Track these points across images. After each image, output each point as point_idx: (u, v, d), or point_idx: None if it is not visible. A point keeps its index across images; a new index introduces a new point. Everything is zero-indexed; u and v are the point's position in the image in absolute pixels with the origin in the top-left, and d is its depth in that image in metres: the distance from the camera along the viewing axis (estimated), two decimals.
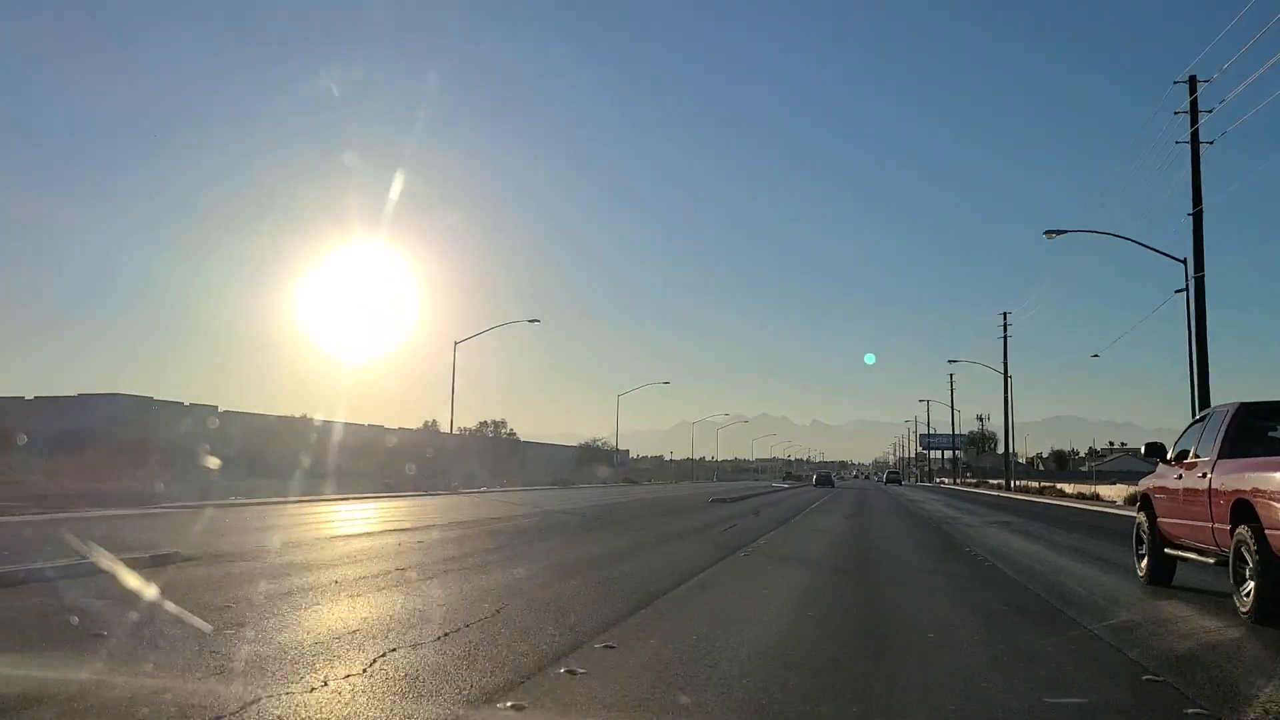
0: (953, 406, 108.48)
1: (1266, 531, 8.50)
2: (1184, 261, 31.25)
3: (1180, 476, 10.86)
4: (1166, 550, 11.46)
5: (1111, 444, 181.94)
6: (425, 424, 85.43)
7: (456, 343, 57.47)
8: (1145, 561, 11.92)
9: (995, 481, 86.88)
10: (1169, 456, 11.50)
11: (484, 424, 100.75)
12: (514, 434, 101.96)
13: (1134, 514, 12.64)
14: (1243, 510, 9.01)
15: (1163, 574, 11.67)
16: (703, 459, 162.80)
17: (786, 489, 78.86)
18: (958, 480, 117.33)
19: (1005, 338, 73.89)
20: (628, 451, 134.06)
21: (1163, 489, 11.52)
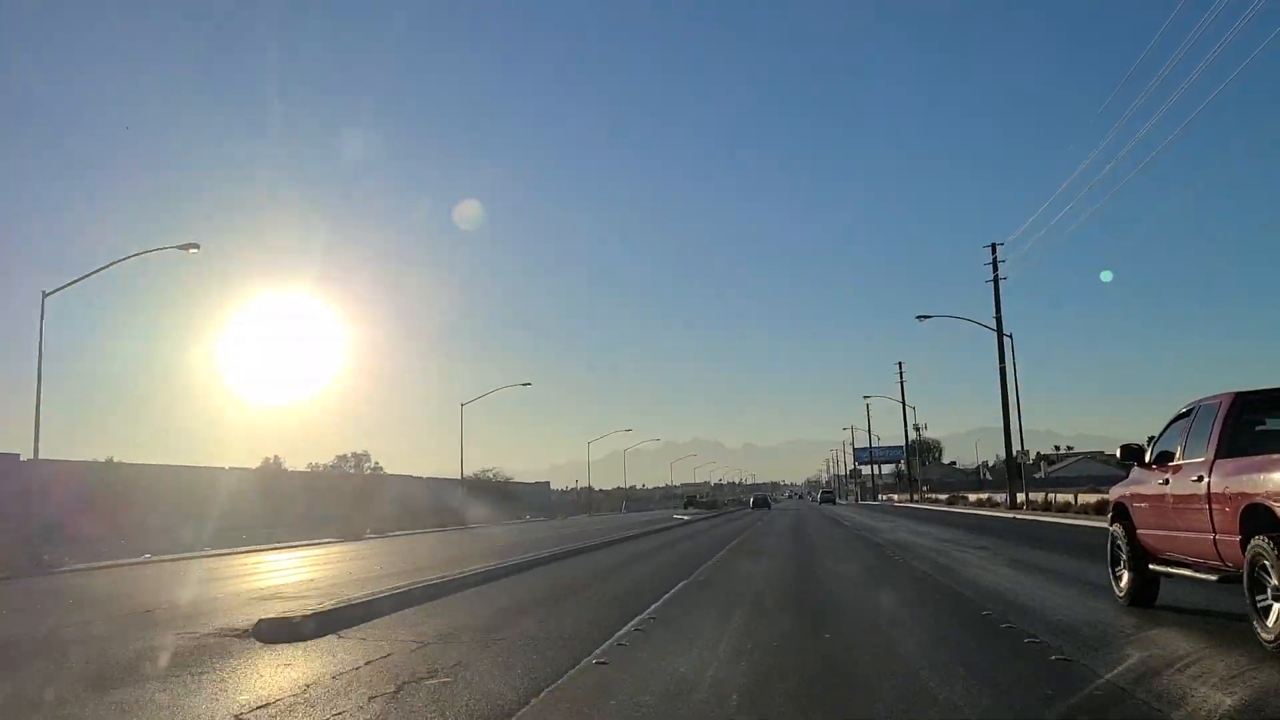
0: (904, 402, 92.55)
1: None
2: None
3: (1166, 482, 9.39)
4: (1151, 567, 9.99)
5: (1057, 448, 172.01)
6: (266, 460, 69.37)
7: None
8: (1125, 580, 10.44)
9: (977, 497, 62.10)
10: (1148, 459, 10.06)
11: (342, 458, 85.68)
12: (379, 468, 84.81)
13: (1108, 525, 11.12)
14: (1258, 517, 7.53)
15: (1147, 594, 10.20)
16: (633, 488, 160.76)
17: (683, 524, 48.07)
18: (916, 497, 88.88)
19: (995, 279, 70.82)
20: (548, 483, 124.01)
21: (1143, 496, 10.06)
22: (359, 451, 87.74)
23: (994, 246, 51.01)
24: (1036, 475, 72.22)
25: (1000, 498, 52.32)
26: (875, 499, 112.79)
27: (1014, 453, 48.63)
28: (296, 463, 72.22)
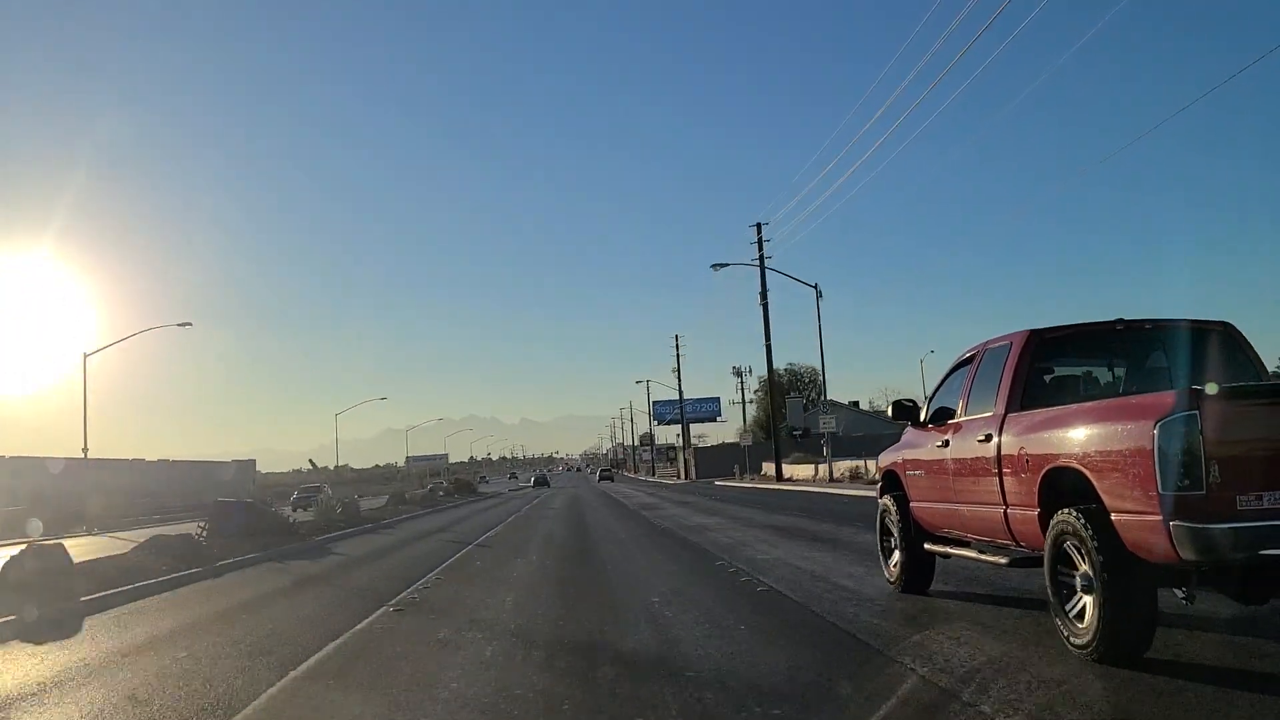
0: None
1: (1114, 517, 5.35)
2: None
3: (945, 444, 7.74)
4: (926, 546, 8.39)
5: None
6: None
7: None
8: (896, 562, 8.82)
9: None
10: (923, 418, 8.41)
11: None
12: None
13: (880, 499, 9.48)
14: (1063, 485, 5.88)
15: (920, 578, 8.61)
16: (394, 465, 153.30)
17: None
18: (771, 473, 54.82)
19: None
20: (253, 461, 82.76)
21: (918, 463, 8.42)
22: None
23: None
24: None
25: (806, 471, 47.65)
26: (687, 475, 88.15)
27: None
28: None
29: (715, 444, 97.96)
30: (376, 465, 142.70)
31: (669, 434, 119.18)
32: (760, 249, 50.51)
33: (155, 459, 65.28)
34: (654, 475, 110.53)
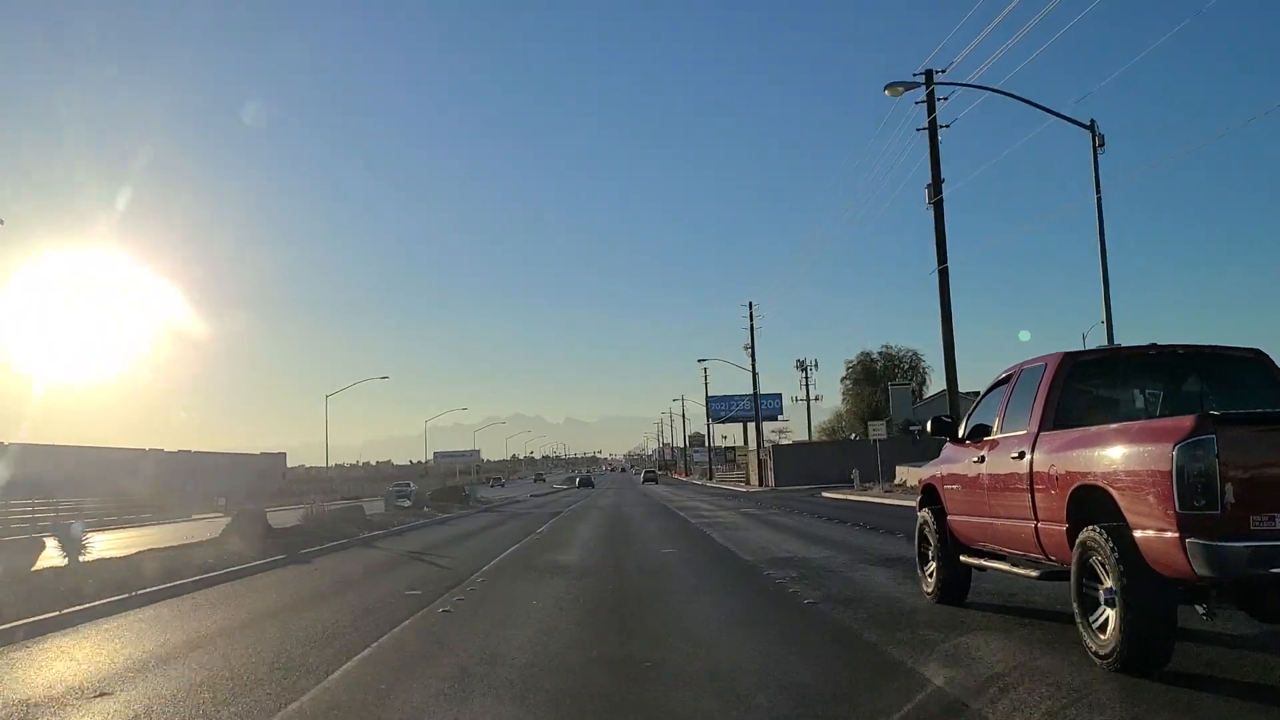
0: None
1: (1136, 534, 5.64)
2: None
3: (981, 459, 8.03)
4: (963, 559, 8.68)
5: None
6: None
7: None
8: (933, 574, 9.11)
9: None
10: (961, 434, 8.71)
11: None
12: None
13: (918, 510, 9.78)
14: (1090, 503, 6.17)
15: (957, 590, 8.90)
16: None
17: None
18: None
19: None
20: (284, 455, 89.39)
21: (955, 477, 8.71)
22: None
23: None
24: None
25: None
26: (762, 483, 65.33)
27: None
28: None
29: (792, 442, 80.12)
30: (411, 462, 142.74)
31: (721, 434, 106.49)
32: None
33: (174, 449, 64.49)
34: (711, 479, 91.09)
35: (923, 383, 76.55)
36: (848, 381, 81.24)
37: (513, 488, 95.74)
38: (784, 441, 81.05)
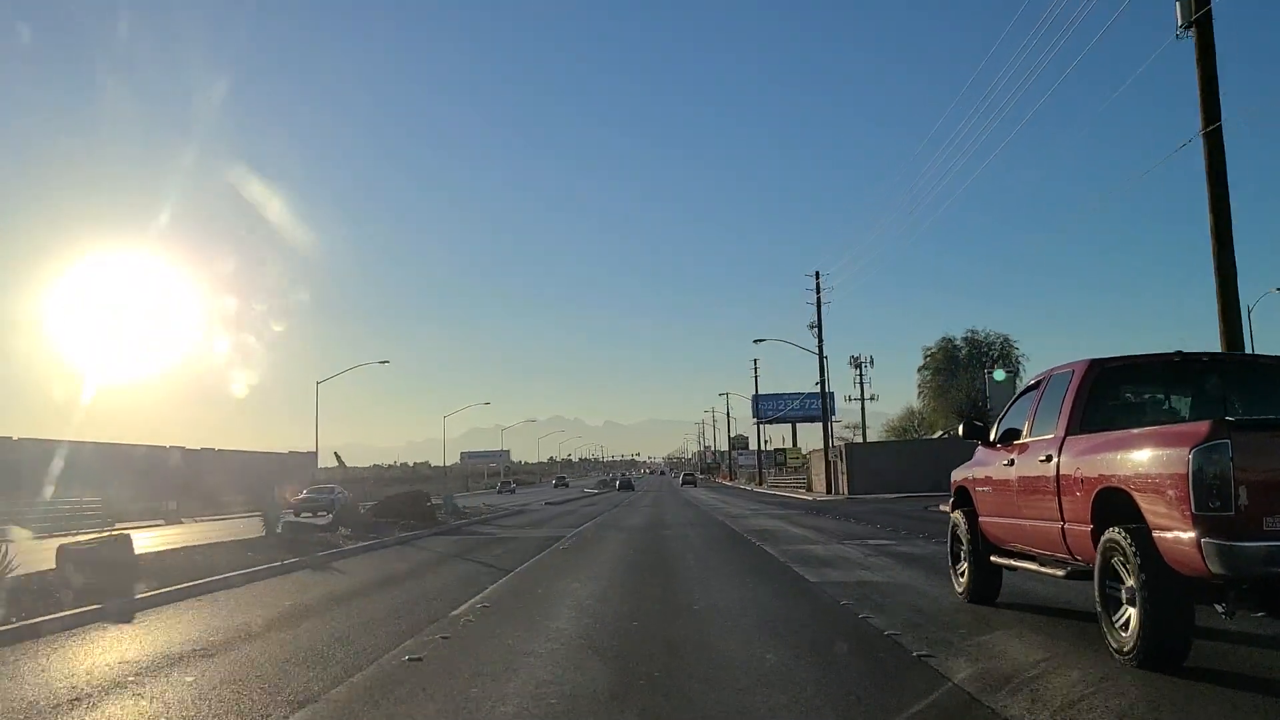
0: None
1: (1155, 534, 5.90)
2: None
3: (1011, 463, 8.29)
4: (993, 559, 8.93)
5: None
6: None
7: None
8: (965, 573, 9.37)
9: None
10: (992, 437, 8.96)
11: None
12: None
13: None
14: (1111, 504, 6.42)
15: (988, 589, 9.15)
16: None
17: None
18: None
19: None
20: (314, 454, 73.54)
21: (986, 480, 8.97)
22: None
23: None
24: None
25: None
26: (805, 487, 63.50)
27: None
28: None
29: (871, 440, 68.80)
30: (445, 464, 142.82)
31: (765, 436, 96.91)
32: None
33: (198, 447, 59.61)
34: (761, 484, 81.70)
35: (1017, 372, 63.64)
36: (926, 372, 71.53)
37: (529, 493, 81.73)
38: (853, 440, 69.39)
